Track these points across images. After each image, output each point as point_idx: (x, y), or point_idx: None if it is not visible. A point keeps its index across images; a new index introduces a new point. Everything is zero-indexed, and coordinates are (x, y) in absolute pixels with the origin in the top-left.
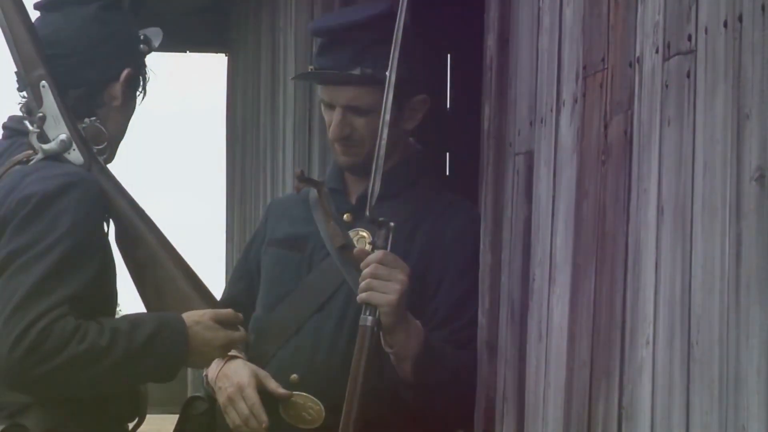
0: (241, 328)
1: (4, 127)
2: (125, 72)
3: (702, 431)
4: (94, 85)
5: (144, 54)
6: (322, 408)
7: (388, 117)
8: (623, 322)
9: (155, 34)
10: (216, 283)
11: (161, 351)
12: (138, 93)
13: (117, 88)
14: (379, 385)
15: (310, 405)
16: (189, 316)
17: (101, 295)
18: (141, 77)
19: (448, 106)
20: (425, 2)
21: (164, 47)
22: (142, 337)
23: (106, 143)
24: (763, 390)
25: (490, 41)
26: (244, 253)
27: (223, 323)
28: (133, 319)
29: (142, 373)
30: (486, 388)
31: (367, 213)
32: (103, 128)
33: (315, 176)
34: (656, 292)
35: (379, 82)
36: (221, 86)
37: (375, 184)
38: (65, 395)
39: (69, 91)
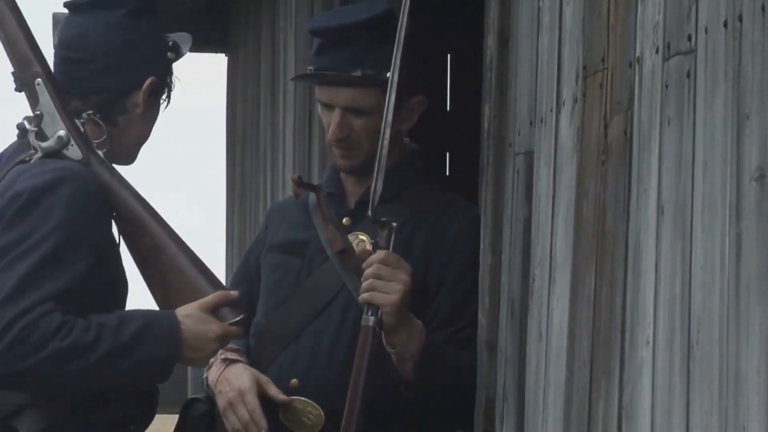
0: (235, 312)
1: (17, 127)
2: (149, 80)
3: (702, 431)
4: (115, 92)
5: (171, 62)
6: (322, 413)
7: (390, 117)
8: (623, 322)
9: (184, 40)
10: None
11: (150, 347)
12: (162, 100)
13: (139, 96)
14: (380, 385)
15: (310, 410)
16: (180, 311)
17: (96, 291)
18: (165, 85)
19: (448, 106)
20: (425, 3)
21: None
22: (129, 332)
23: (105, 136)
24: (763, 390)
25: (490, 41)
26: (244, 258)
27: (214, 310)
28: (123, 315)
29: (132, 370)
30: (486, 388)
31: (369, 213)
32: (101, 122)
33: (315, 176)
34: (656, 292)
35: (380, 84)
36: (221, 86)
37: (377, 185)
38: (57, 391)
39: (92, 97)
